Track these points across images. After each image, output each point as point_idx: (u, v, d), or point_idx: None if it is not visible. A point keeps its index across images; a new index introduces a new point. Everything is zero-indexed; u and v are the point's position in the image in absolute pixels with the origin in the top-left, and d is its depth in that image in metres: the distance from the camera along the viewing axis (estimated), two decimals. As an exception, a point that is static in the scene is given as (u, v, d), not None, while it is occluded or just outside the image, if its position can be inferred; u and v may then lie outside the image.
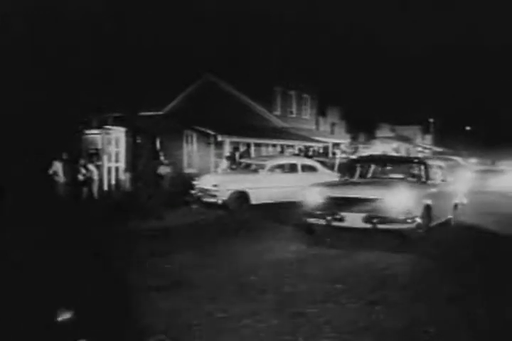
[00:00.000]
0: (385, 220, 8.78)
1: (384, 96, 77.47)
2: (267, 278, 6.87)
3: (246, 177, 15.48)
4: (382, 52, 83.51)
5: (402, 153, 40.74)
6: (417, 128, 57.22)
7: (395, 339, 4.80)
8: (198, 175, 17.64)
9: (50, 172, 15.13)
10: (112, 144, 19.78)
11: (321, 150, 30.68)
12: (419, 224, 8.93)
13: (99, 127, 19.90)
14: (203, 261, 7.86)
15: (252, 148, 24.97)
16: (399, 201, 8.84)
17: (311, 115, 37.43)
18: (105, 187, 18.39)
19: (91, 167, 16.52)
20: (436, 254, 8.53)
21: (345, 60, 59.93)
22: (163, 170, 18.28)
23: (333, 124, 40.54)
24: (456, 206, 11.72)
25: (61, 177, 15.20)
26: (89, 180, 16.19)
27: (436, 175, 11.00)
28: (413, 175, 10.87)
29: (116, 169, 19.39)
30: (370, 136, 47.94)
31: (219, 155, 23.22)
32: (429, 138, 59.83)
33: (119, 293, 6.14)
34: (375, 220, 8.76)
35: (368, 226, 8.86)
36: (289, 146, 27.25)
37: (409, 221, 8.74)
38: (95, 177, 16.59)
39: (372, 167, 12.13)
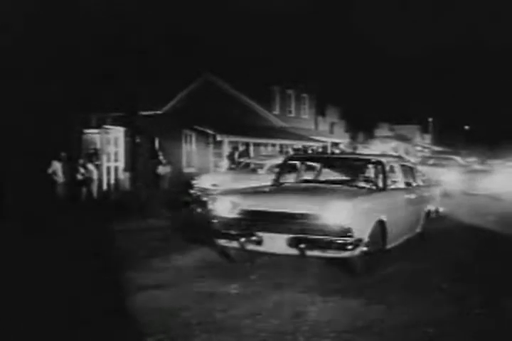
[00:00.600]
0: (316, 245, 6.42)
1: (383, 95, 77.64)
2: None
3: (245, 177, 15.48)
4: (381, 51, 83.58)
5: (401, 152, 40.74)
6: (416, 127, 57.24)
7: (395, 339, 4.81)
8: (197, 175, 17.67)
9: (49, 171, 15.14)
10: (111, 144, 19.77)
11: (320, 150, 30.69)
12: (365, 250, 6.62)
13: (98, 127, 19.91)
14: (202, 261, 7.85)
15: (251, 148, 25.00)
16: (336, 218, 6.44)
17: (310, 115, 37.44)
18: (104, 187, 18.38)
19: (90, 166, 16.54)
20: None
21: (345, 59, 60.10)
22: (162, 169, 18.31)
23: (332, 124, 40.55)
24: (428, 215, 9.49)
25: (60, 177, 15.20)
26: (88, 180, 16.21)
27: (400, 178, 8.67)
28: (367, 180, 8.42)
29: (116, 169, 19.39)
30: (369, 136, 47.97)
31: (218, 155, 23.25)
32: (428, 137, 59.89)
33: (118, 293, 6.15)
34: (302, 245, 6.39)
35: (294, 252, 6.51)
36: (293, 148, 27.24)
37: (349, 247, 6.36)
38: (94, 176, 16.61)
39: (316, 168, 9.94)
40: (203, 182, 15.37)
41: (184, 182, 17.48)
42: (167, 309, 5.48)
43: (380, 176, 8.06)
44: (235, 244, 6.95)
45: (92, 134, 20.32)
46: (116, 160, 19.55)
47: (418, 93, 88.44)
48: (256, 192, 7.97)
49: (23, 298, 5.82)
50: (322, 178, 9.34)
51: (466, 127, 63.53)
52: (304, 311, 5.44)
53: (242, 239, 6.77)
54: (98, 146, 19.72)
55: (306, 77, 34.30)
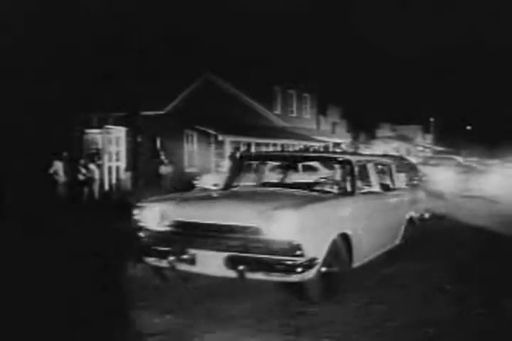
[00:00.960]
0: (258, 266, 5.18)
1: (384, 95, 77.68)
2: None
3: (247, 177, 15.46)
4: (382, 51, 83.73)
5: (403, 152, 40.76)
6: (418, 127, 57.27)
7: (395, 339, 4.79)
8: (198, 175, 17.68)
9: (51, 171, 15.14)
10: (113, 144, 19.79)
11: (322, 150, 30.68)
12: (323, 271, 5.47)
13: (99, 127, 19.93)
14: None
15: (253, 148, 24.98)
16: (282, 232, 5.17)
17: (311, 114, 37.42)
18: (106, 187, 18.40)
19: (92, 166, 16.54)
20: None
21: (345, 59, 60.09)
22: (164, 169, 18.30)
23: (333, 124, 40.53)
24: (410, 223, 8.05)
25: (62, 177, 15.21)
26: (90, 180, 16.21)
27: (375, 180, 7.22)
28: (333, 183, 7.03)
29: (117, 168, 19.41)
30: (371, 136, 48.00)
31: (220, 155, 23.24)
32: (429, 137, 59.90)
33: (118, 293, 6.14)
34: (242, 266, 5.17)
35: (232, 274, 5.29)
36: (295, 149, 27.24)
37: (299, 269, 5.11)
38: (96, 176, 16.61)
39: (275, 169, 8.88)
40: (204, 182, 15.36)
41: (186, 182, 17.48)
42: (168, 309, 5.48)
43: (348, 178, 6.65)
44: (163, 263, 5.74)
45: (94, 134, 20.34)
46: (117, 160, 19.58)
47: (419, 93, 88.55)
48: (192, 198, 6.58)
49: (23, 297, 5.81)
50: (289, 180, 8.06)
51: (468, 127, 63.54)
52: (304, 311, 5.43)
53: (172, 257, 5.58)
54: (100, 146, 19.75)
55: (307, 77, 34.30)
